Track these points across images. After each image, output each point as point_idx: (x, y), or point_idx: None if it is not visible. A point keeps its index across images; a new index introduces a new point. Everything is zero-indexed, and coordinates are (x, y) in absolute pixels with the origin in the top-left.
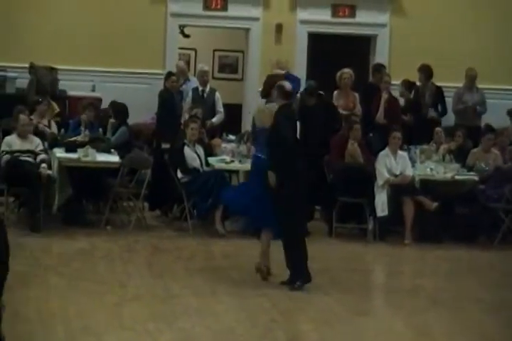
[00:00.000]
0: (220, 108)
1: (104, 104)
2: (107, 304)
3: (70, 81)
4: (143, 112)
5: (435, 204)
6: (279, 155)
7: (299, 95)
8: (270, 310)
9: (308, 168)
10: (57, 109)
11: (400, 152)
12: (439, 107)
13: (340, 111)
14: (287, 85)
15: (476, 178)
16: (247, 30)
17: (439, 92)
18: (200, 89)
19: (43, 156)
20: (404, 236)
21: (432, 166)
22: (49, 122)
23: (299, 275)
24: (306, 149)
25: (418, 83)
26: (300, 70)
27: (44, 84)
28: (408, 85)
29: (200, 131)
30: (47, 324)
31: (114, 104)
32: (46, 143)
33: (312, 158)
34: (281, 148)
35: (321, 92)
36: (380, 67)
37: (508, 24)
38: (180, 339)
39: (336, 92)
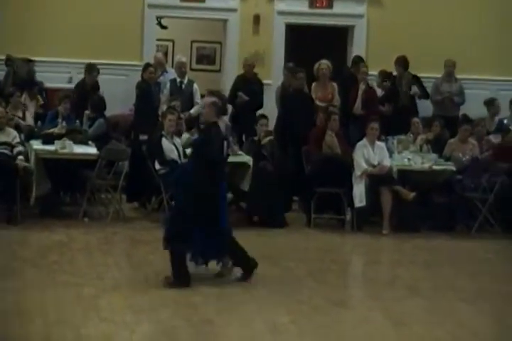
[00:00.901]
0: (198, 99)
1: None
2: (85, 296)
3: (47, 72)
4: (120, 104)
5: (413, 194)
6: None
7: (280, 84)
8: (249, 301)
9: (287, 158)
10: (41, 101)
11: (377, 142)
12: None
13: (318, 102)
14: (221, 102)
15: (453, 168)
16: (225, 21)
17: (415, 79)
18: (178, 80)
19: (19, 148)
20: (382, 227)
21: (410, 156)
22: (24, 114)
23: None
24: (286, 138)
25: (395, 73)
26: (278, 61)
27: (21, 76)
28: (385, 75)
29: (179, 122)
30: (24, 316)
31: (91, 96)
32: (22, 136)
33: (292, 147)
34: (208, 166)
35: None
36: (358, 60)
37: (486, 14)
38: (159, 330)
39: (314, 84)
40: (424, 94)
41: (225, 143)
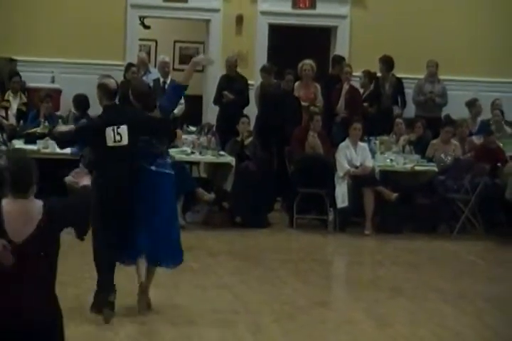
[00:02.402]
0: (181, 99)
1: (64, 95)
2: (69, 296)
3: (29, 72)
4: None
5: (395, 195)
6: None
7: (259, 83)
8: (232, 301)
9: (270, 158)
10: (24, 99)
11: (360, 143)
12: (399, 99)
13: (301, 102)
14: (111, 84)
15: (436, 169)
16: (208, 21)
17: (399, 84)
18: (162, 80)
19: (1, 148)
20: (365, 227)
21: (392, 157)
22: (6, 113)
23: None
24: (266, 138)
25: (379, 74)
26: (260, 62)
27: (3, 75)
28: (370, 76)
29: None
30: None
31: (75, 96)
32: (5, 135)
33: (275, 147)
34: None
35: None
36: (340, 59)
37: (468, 14)
38: (142, 332)
39: (297, 83)
40: (403, 104)
41: (112, 131)
